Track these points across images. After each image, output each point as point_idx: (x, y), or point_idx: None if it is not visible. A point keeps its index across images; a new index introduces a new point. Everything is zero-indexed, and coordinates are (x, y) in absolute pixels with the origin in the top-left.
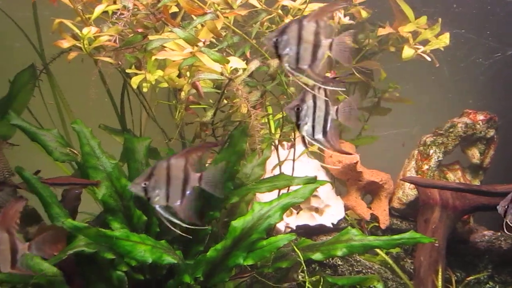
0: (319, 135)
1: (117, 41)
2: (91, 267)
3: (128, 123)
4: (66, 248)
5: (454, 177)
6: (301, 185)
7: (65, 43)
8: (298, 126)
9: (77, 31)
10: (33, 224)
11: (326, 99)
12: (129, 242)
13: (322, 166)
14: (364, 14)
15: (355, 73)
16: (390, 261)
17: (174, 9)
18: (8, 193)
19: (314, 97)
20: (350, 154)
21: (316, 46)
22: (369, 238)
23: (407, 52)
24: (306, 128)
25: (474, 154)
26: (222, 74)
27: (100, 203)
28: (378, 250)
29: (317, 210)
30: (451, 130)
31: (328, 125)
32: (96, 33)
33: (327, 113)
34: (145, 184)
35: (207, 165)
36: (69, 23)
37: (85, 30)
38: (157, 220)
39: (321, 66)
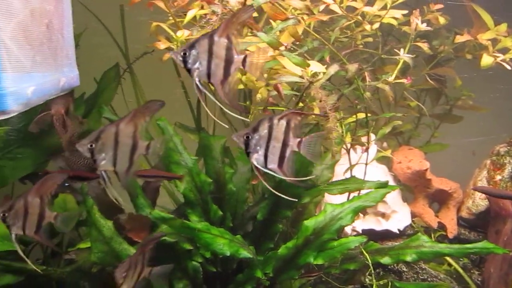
0: (272, 165)
1: None
2: (170, 256)
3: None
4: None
5: None
6: (372, 189)
7: (162, 45)
8: (247, 154)
9: (172, 33)
10: (119, 212)
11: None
12: (209, 235)
13: (390, 172)
14: (442, 20)
15: (428, 79)
16: (461, 270)
17: (254, 13)
18: (97, 184)
19: (271, 127)
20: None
21: (229, 61)
22: (440, 246)
23: (486, 60)
24: (256, 157)
25: None
26: (302, 77)
27: (171, 197)
28: (449, 259)
29: (383, 215)
30: None
31: (286, 156)
32: (188, 36)
33: (285, 145)
34: (91, 145)
35: None
36: (165, 26)
37: (179, 33)
38: (231, 215)
39: (233, 83)
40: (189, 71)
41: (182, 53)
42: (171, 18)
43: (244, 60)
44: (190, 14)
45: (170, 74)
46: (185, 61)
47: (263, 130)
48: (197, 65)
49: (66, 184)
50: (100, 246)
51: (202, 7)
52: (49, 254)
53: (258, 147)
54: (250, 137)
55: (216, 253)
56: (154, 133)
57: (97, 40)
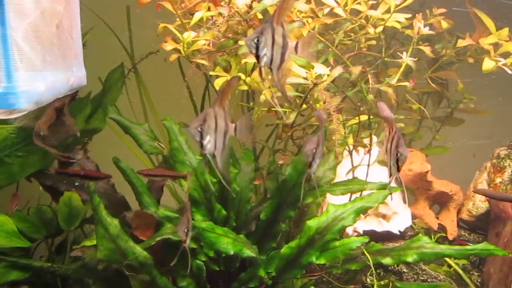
0: (218, 153)
1: (211, 45)
2: (174, 255)
3: None
4: (155, 235)
5: None
6: (374, 190)
7: (168, 46)
8: (201, 145)
9: (179, 35)
10: (127, 210)
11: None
12: (214, 234)
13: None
14: (444, 24)
15: (430, 82)
16: (461, 271)
17: (259, 15)
18: (105, 182)
19: (216, 116)
20: None
21: (284, 48)
22: (441, 247)
23: (488, 64)
24: (209, 146)
25: None
26: (306, 79)
27: (173, 196)
28: (449, 260)
29: (384, 216)
30: None
31: (226, 142)
32: (194, 38)
33: (226, 132)
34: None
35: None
36: (172, 28)
37: (186, 35)
38: (234, 215)
39: (286, 69)
40: (257, 57)
41: (256, 40)
42: (178, 19)
43: (296, 46)
44: (197, 16)
45: (174, 74)
46: (257, 48)
47: (211, 119)
48: (264, 51)
49: (77, 184)
50: (106, 243)
51: (209, 9)
52: (54, 251)
53: (209, 137)
54: (202, 129)
55: (220, 252)
56: (159, 132)
57: (104, 41)
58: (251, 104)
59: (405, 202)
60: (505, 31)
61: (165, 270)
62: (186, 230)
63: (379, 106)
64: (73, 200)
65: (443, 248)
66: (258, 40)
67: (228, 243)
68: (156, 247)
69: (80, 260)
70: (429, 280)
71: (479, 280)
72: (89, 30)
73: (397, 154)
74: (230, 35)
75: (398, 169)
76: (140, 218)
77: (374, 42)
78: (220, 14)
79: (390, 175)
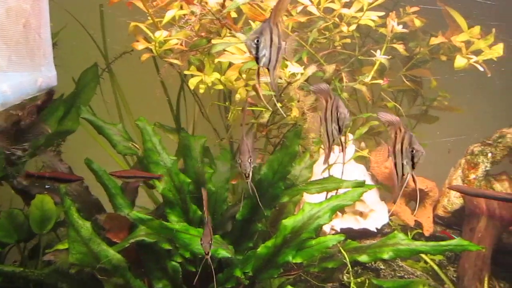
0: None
1: (183, 44)
2: (150, 256)
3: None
4: (128, 237)
5: (501, 187)
6: (350, 188)
7: (140, 45)
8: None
9: (150, 34)
10: (101, 212)
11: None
12: (188, 235)
13: (368, 171)
14: (417, 23)
15: (404, 80)
16: (436, 267)
17: (233, 14)
18: (78, 184)
19: (247, 145)
20: None
21: (279, 48)
22: (416, 243)
23: (460, 61)
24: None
25: None
26: (280, 78)
27: (150, 197)
28: (424, 256)
29: (361, 214)
30: (500, 140)
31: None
32: (166, 37)
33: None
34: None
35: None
36: (143, 27)
37: (158, 34)
38: (210, 215)
39: (278, 69)
40: (257, 58)
41: (256, 41)
42: (150, 18)
43: (285, 46)
44: (169, 15)
45: (149, 74)
46: (257, 48)
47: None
48: (263, 52)
49: (48, 186)
50: (78, 247)
51: (181, 8)
52: (27, 255)
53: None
54: (248, 158)
55: (195, 253)
56: (134, 133)
57: (77, 40)
58: (226, 103)
59: (382, 200)
60: (476, 29)
61: (139, 272)
62: (210, 242)
63: (380, 115)
64: (45, 203)
65: (418, 244)
66: (258, 41)
67: None
68: (130, 249)
69: (53, 264)
70: (406, 276)
71: (455, 275)
72: (60, 29)
73: (412, 151)
74: (203, 34)
75: (413, 167)
76: (113, 220)
77: (348, 40)
78: (192, 12)
79: (401, 175)
